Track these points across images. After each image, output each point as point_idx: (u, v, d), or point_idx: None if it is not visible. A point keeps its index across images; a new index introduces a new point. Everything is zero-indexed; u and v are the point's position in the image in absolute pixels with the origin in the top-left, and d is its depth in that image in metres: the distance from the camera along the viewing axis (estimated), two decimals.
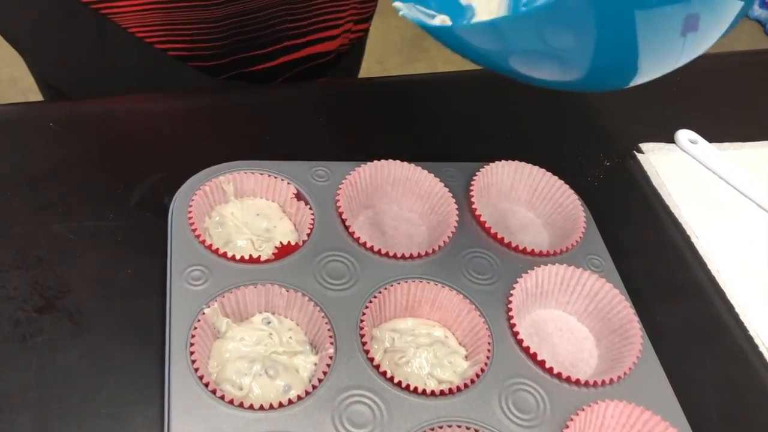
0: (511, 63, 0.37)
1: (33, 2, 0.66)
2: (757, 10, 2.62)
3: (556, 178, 0.57)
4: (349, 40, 0.79)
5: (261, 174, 0.53)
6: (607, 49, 0.34)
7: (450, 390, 0.44)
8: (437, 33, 0.39)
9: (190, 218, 0.49)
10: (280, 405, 0.41)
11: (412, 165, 0.55)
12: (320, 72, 0.79)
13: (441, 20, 0.41)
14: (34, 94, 0.82)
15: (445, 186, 0.55)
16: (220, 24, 0.66)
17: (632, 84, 0.38)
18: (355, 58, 0.86)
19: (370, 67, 2.14)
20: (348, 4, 0.74)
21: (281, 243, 0.49)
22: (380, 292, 0.47)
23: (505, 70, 0.39)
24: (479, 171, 0.56)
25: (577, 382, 0.46)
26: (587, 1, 0.31)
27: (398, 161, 0.55)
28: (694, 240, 0.60)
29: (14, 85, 1.80)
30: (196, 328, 0.43)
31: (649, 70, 0.36)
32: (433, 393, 0.43)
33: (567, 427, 0.43)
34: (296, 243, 0.50)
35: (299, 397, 0.42)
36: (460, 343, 0.48)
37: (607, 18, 0.32)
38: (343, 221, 0.51)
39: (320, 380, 0.43)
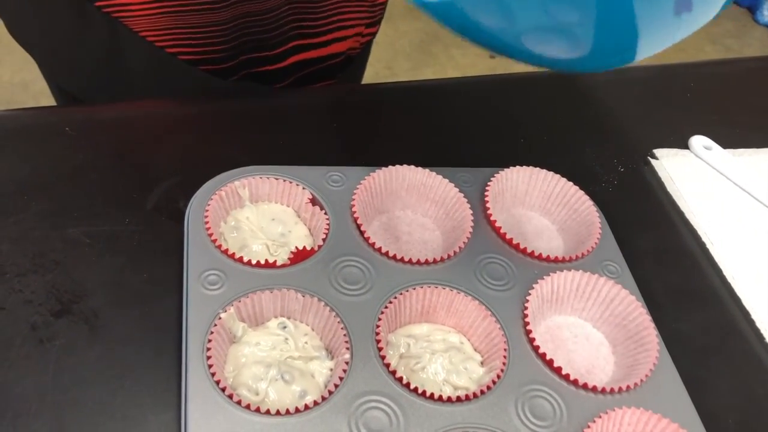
0: (513, 39, 0.37)
1: (46, 6, 0.66)
2: (767, 16, 2.61)
3: (570, 184, 0.57)
4: (360, 44, 0.80)
5: (276, 179, 0.53)
6: (606, 21, 0.35)
7: (466, 396, 0.44)
8: (436, 10, 0.39)
9: (207, 223, 0.49)
10: (296, 410, 0.41)
11: (427, 170, 0.55)
12: (329, 74, 0.79)
13: None
14: (46, 98, 0.82)
15: (460, 191, 0.55)
16: (230, 25, 0.67)
17: (635, 60, 0.39)
18: (361, 62, 0.86)
19: (378, 72, 2.15)
20: (360, 6, 0.74)
21: (296, 248, 0.49)
22: (395, 298, 0.47)
23: (507, 47, 0.39)
24: (494, 176, 0.56)
25: (594, 389, 0.45)
26: None
27: (413, 166, 0.55)
28: (709, 246, 0.60)
29: (26, 89, 1.81)
30: (212, 332, 0.43)
31: (648, 46, 0.37)
32: (449, 399, 0.43)
33: None
34: (311, 248, 0.50)
35: (315, 403, 0.42)
36: (475, 349, 0.48)
37: None
38: (358, 226, 0.51)
39: (336, 386, 0.43)
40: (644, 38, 0.36)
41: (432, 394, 0.43)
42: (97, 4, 0.62)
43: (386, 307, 0.47)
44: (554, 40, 0.37)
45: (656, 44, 0.38)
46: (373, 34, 0.82)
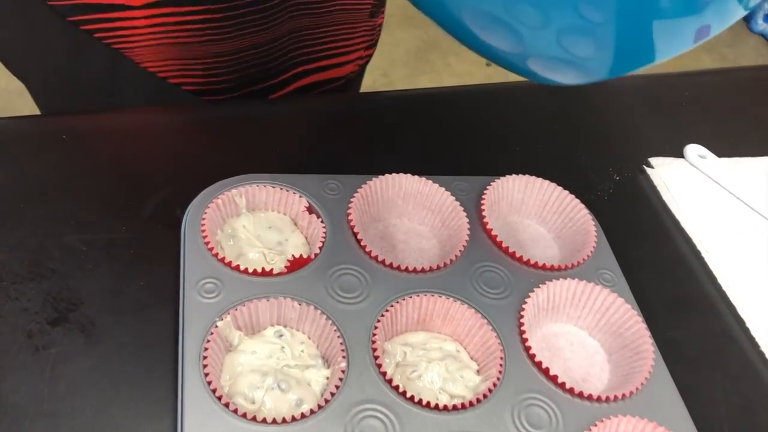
0: (517, 59, 0.37)
1: (43, 37, 0.66)
2: (761, 25, 2.63)
3: (566, 192, 0.57)
4: (359, 66, 0.80)
5: (273, 187, 0.53)
6: (624, 54, 0.35)
7: (462, 405, 0.44)
8: (436, 14, 0.38)
9: (203, 231, 0.49)
10: (293, 419, 0.41)
11: (423, 178, 0.55)
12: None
13: None
14: None
15: (456, 200, 0.55)
16: (233, 57, 0.67)
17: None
18: (358, 80, 0.87)
19: (375, 80, 2.15)
20: (360, 30, 0.75)
21: (293, 256, 0.49)
22: (392, 306, 0.47)
23: (507, 63, 0.38)
24: (490, 185, 0.56)
25: (590, 398, 0.46)
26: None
27: (409, 175, 0.55)
28: (704, 254, 0.60)
29: (21, 96, 1.81)
30: (209, 340, 0.43)
31: (653, 62, 0.37)
32: (445, 408, 0.43)
33: None
34: (308, 256, 0.50)
35: (312, 411, 0.42)
36: (471, 358, 0.48)
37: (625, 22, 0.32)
38: (355, 235, 0.51)
39: (332, 394, 0.43)
40: (657, 61, 0.36)
41: (428, 403, 0.43)
42: (97, 35, 0.62)
43: (383, 316, 0.47)
44: (563, 69, 0.36)
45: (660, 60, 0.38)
46: (371, 56, 0.82)
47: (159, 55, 0.64)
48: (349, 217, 0.52)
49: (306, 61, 0.73)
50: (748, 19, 2.67)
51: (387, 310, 0.47)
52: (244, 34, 0.65)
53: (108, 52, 0.63)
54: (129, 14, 0.60)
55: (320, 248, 0.50)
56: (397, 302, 0.48)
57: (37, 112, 0.78)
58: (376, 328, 0.46)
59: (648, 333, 0.49)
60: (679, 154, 0.69)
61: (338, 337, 0.45)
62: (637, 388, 0.46)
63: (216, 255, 0.48)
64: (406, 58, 2.27)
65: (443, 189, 0.55)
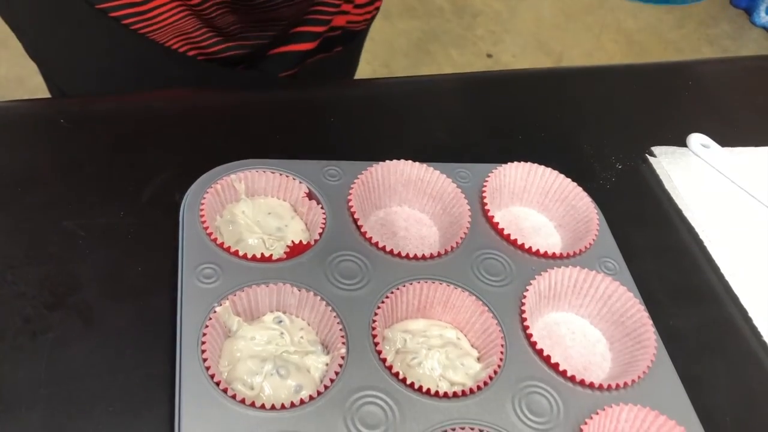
0: None
1: (68, 22, 0.66)
2: (764, 17, 2.62)
3: (568, 180, 0.57)
4: (362, 19, 0.78)
5: (273, 173, 0.52)
6: None
7: (463, 392, 0.43)
8: None
9: (202, 216, 0.48)
10: (292, 405, 0.41)
11: (425, 165, 0.55)
12: (328, 47, 0.77)
13: None
14: (42, 93, 0.82)
15: (458, 187, 0.54)
16: (248, 24, 0.66)
17: None
18: (354, 53, 0.85)
19: (376, 71, 2.14)
20: None
21: (293, 242, 0.49)
22: (392, 293, 0.47)
23: None
24: (492, 172, 0.56)
25: (591, 386, 0.45)
26: None
27: (410, 161, 0.55)
28: (706, 244, 0.59)
29: (21, 83, 1.80)
30: (207, 326, 0.43)
31: None
32: (446, 395, 0.43)
33: (581, 430, 0.43)
34: (308, 242, 0.49)
35: (311, 398, 0.41)
36: (472, 345, 0.48)
37: None
38: (355, 221, 0.51)
39: (332, 380, 0.42)
40: None
41: (428, 390, 0.43)
42: (125, 21, 0.62)
43: (383, 302, 0.46)
44: None
45: None
46: (377, 9, 0.80)
47: (175, 32, 0.64)
48: (350, 204, 0.51)
49: (318, 22, 0.72)
50: (750, 12, 2.66)
51: (387, 297, 0.47)
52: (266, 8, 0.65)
53: (128, 35, 0.63)
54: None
55: (320, 234, 0.50)
56: (398, 289, 0.47)
57: (37, 94, 0.77)
58: (376, 314, 0.46)
59: (650, 322, 0.49)
60: (682, 144, 0.69)
61: (338, 323, 0.45)
62: (639, 377, 0.46)
63: (215, 240, 0.47)
64: (407, 49, 2.26)
65: (445, 176, 0.55)
